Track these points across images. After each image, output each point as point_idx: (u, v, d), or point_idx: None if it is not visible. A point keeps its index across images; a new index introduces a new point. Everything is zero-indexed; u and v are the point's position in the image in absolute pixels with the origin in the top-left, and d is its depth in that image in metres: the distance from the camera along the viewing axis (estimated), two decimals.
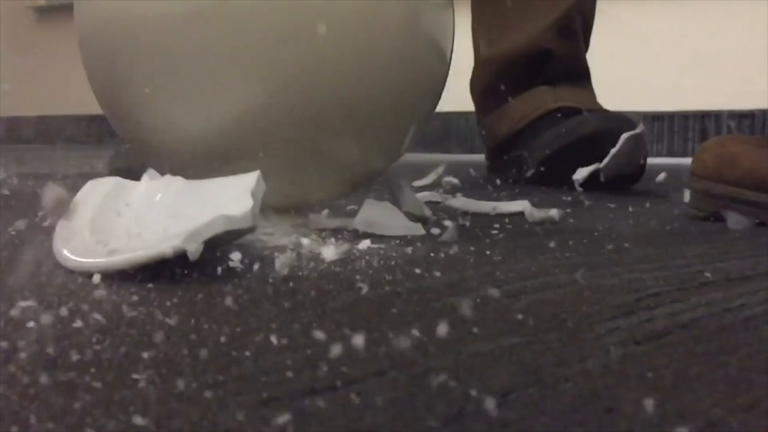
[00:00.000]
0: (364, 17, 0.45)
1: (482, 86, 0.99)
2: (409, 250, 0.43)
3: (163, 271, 0.34)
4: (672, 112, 1.68)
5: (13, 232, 0.46)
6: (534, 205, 0.59)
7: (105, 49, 0.47)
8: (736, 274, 0.37)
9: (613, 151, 0.72)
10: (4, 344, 0.24)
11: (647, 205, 0.68)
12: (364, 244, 0.43)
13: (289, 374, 0.21)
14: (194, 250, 0.34)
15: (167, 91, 0.45)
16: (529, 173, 0.87)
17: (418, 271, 0.36)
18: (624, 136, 0.71)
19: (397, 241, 0.45)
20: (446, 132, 1.83)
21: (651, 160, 0.87)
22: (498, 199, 0.71)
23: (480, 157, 1.04)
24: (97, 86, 0.50)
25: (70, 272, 0.35)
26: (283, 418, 0.18)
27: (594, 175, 0.77)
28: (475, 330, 0.26)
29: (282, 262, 0.36)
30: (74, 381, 0.21)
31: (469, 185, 0.68)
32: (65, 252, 0.36)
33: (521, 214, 0.60)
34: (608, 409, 0.19)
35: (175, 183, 0.42)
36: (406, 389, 0.20)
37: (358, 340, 0.23)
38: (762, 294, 0.33)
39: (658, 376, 0.22)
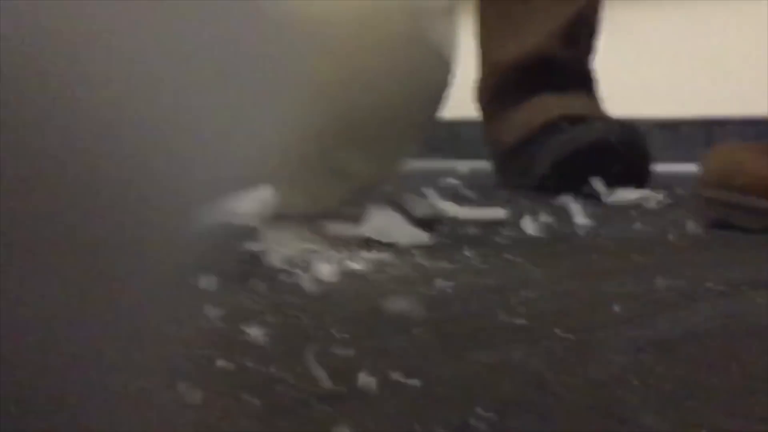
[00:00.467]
0: (365, 28, 0.45)
1: (487, 94, 0.99)
2: (413, 259, 0.43)
3: None
4: (678, 118, 1.67)
5: None
6: (534, 212, 0.59)
7: None
8: (741, 281, 0.37)
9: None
10: None
11: (652, 212, 0.68)
12: (374, 253, 0.43)
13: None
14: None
15: None
16: (536, 181, 0.87)
17: (421, 280, 0.37)
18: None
19: (404, 249, 0.46)
20: (453, 138, 1.83)
21: (657, 167, 0.87)
22: (504, 205, 0.71)
23: (487, 164, 1.04)
24: None
25: None
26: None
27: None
28: (478, 338, 0.26)
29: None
30: None
31: (475, 192, 0.68)
32: None
33: (529, 219, 0.59)
34: (612, 418, 0.19)
35: None
36: (411, 398, 0.21)
37: (367, 340, 0.23)
38: (767, 302, 0.33)
39: (663, 383, 0.22)
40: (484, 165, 1.05)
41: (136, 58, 0.23)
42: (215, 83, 0.45)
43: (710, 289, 0.35)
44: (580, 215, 0.61)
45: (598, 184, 0.78)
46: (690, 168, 0.72)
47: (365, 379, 0.22)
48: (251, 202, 0.38)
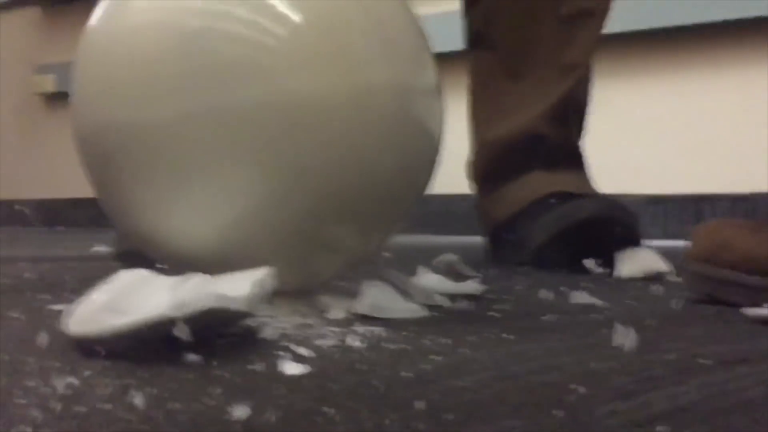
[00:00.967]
0: (356, 108, 0.46)
1: (479, 170, 1.01)
2: (407, 334, 0.43)
3: (158, 353, 0.35)
4: (668, 195, 1.70)
5: (15, 316, 0.47)
6: (528, 287, 0.60)
7: (101, 152, 0.48)
8: (733, 356, 0.38)
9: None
10: None
11: (643, 287, 0.69)
12: (369, 328, 0.43)
13: None
14: (180, 316, 0.34)
15: (165, 194, 0.46)
16: (528, 257, 0.88)
17: (416, 354, 0.37)
18: None
19: (398, 324, 0.46)
20: (446, 213, 1.84)
21: (648, 243, 0.88)
22: (497, 280, 0.72)
23: (480, 239, 1.05)
24: (96, 187, 0.51)
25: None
26: None
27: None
28: (474, 412, 0.27)
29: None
30: None
31: (468, 267, 0.69)
32: (68, 320, 0.37)
33: (525, 294, 0.60)
34: None
35: (197, 277, 0.42)
36: None
37: (364, 418, 0.23)
38: (759, 377, 0.33)
39: None
40: (477, 240, 1.06)
41: None
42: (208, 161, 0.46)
43: (701, 364, 0.36)
44: (571, 290, 0.61)
45: (589, 261, 0.79)
46: (680, 244, 0.73)
47: None
48: (249, 285, 0.38)
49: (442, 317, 0.50)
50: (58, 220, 2.59)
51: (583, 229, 0.83)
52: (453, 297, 0.57)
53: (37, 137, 2.71)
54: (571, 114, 0.96)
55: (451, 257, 0.71)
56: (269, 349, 0.37)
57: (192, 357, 0.34)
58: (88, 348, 0.36)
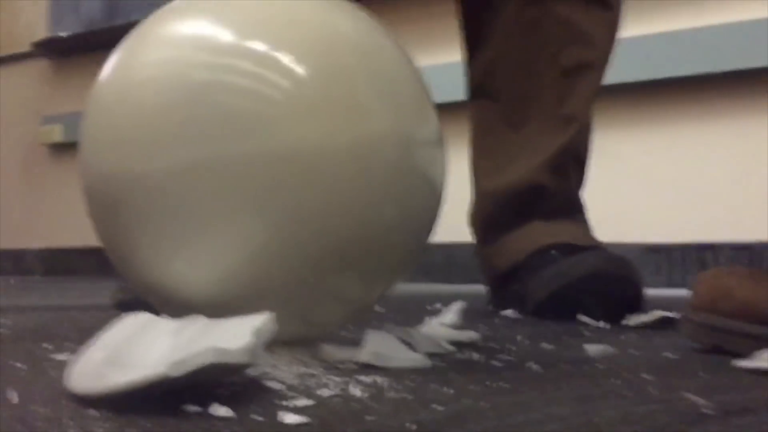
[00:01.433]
0: (358, 158, 0.47)
1: (480, 219, 1.01)
2: (410, 383, 0.43)
3: (160, 403, 0.35)
4: (670, 243, 1.70)
5: (18, 365, 0.47)
6: (530, 337, 0.60)
7: (107, 201, 0.49)
8: (736, 406, 0.38)
9: None
10: None
11: (646, 336, 0.69)
12: (371, 377, 0.43)
13: None
14: (179, 375, 0.34)
15: (169, 242, 0.47)
16: (530, 309, 0.88)
17: (418, 404, 0.37)
18: None
19: (400, 373, 0.46)
20: (448, 262, 1.84)
21: (650, 292, 0.88)
22: (499, 330, 0.72)
23: (482, 288, 1.05)
24: (101, 236, 0.52)
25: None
26: None
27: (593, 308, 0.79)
28: None
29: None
30: None
31: (470, 316, 0.69)
32: (71, 375, 0.37)
33: (527, 344, 0.60)
34: None
35: (198, 321, 0.42)
36: None
37: None
38: (762, 426, 0.33)
39: None
40: (479, 289, 1.06)
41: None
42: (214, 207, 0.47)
43: (705, 414, 0.36)
44: (574, 340, 0.61)
45: (590, 316, 0.80)
46: (683, 293, 0.73)
47: None
48: (249, 334, 0.38)
49: (444, 366, 0.50)
50: (61, 269, 2.59)
51: (584, 286, 0.83)
52: (455, 346, 0.57)
53: (42, 187, 2.73)
54: (570, 164, 0.97)
55: (453, 307, 0.71)
56: (270, 399, 0.37)
57: (192, 408, 0.34)
58: (90, 399, 0.36)
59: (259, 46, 0.47)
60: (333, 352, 0.49)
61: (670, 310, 0.78)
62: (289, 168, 0.45)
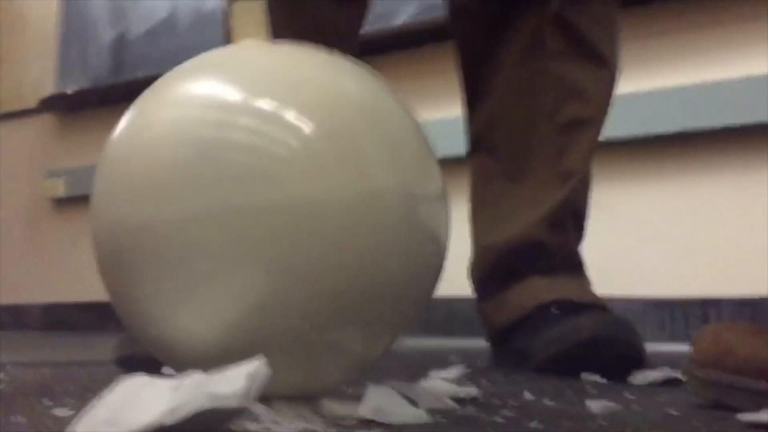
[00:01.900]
0: (362, 212, 0.47)
1: (480, 274, 1.02)
2: None
3: None
4: (672, 298, 1.70)
5: (18, 420, 0.47)
6: (532, 393, 0.59)
7: (114, 251, 0.50)
8: None
9: None
10: None
11: (649, 393, 0.68)
12: None
13: None
14: (173, 422, 0.34)
15: (173, 292, 0.48)
16: (532, 367, 0.88)
17: None
18: None
19: (401, 429, 0.46)
20: (449, 317, 1.84)
21: (652, 347, 0.88)
22: (502, 385, 0.71)
23: (483, 342, 1.04)
24: (108, 286, 0.53)
25: None
26: None
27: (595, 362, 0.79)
28: None
29: None
30: None
31: (473, 372, 0.69)
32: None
33: (530, 400, 0.60)
34: None
35: (195, 376, 0.42)
36: None
37: None
38: None
39: None
40: (481, 343, 1.06)
41: None
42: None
43: None
44: (577, 396, 0.61)
45: (593, 373, 0.79)
46: (685, 347, 0.73)
47: None
48: (243, 379, 0.38)
49: (446, 423, 0.50)
50: (61, 324, 2.58)
51: (583, 351, 0.83)
52: (457, 402, 0.57)
53: (44, 241, 2.73)
54: (569, 220, 0.98)
55: (454, 362, 0.71)
56: None
57: None
58: None
59: (266, 104, 0.48)
60: (334, 407, 0.49)
61: (672, 365, 0.77)
62: (293, 222, 0.46)
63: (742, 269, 1.63)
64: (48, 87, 2.75)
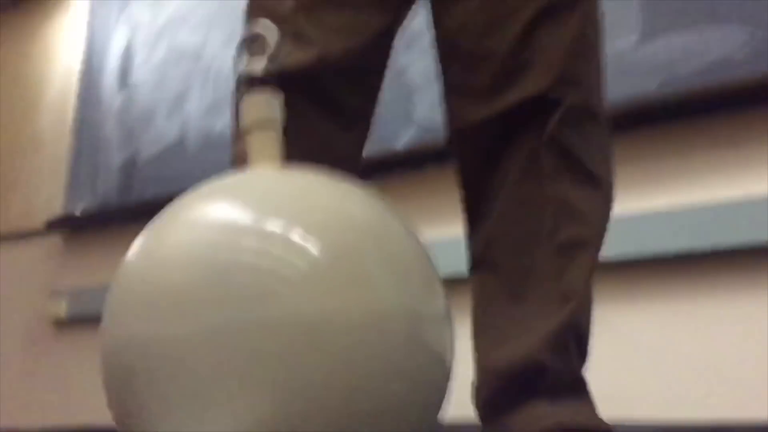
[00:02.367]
0: (367, 332, 0.48)
1: (483, 397, 1.00)
2: None
3: None
4: (678, 423, 1.66)
5: None
6: None
7: (122, 366, 0.51)
8: None
9: None
10: None
11: None
12: None
13: None
14: None
15: (180, 407, 0.48)
16: None
17: None
18: None
19: None
20: None
21: None
22: None
23: None
24: (113, 402, 0.53)
25: None
26: None
27: None
28: None
29: None
30: None
31: None
32: None
33: None
34: None
35: None
36: None
37: None
38: None
39: None
40: None
41: None
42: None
43: None
44: None
45: None
46: None
47: None
48: None
49: None
50: None
51: None
52: None
53: (46, 364, 2.70)
54: (571, 341, 0.97)
55: None
56: None
57: None
58: None
59: (275, 228, 0.50)
60: None
61: None
62: (299, 341, 0.47)
63: (747, 393, 1.60)
64: (57, 208, 2.79)
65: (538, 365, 0.94)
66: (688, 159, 1.78)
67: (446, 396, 0.54)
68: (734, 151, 1.73)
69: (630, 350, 1.73)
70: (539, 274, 0.98)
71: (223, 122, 2.46)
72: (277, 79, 0.69)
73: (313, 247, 0.49)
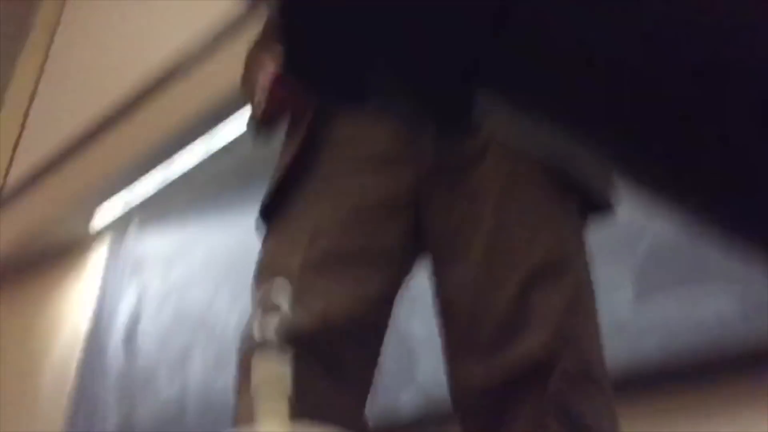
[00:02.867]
0: None
1: None
2: None
3: None
4: None
5: None
6: None
7: None
8: None
9: None
10: None
11: None
12: None
13: None
14: None
15: None
16: None
17: None
18: None
19: None
20: None
21: None
22: None
23: None
24: None
25: None
26: None
27: None
28: None
29: None
30: None
31: None
32: None
33: None
34: None
35: None
36: None
37: None
38: None
39: None
40: None
41: None
42: None
43: None
44: None
45: None
46: None
47: None
48: None
49: None
50: None
51: None
52: None
53: None
54: None
55: None
56: None
57: None
58: None
59: None
60: None
61: None
62: None
63: None
64: None
65: None
66: (696, 421, 1.75)
67: None
68: (743, 414, 1.71)
69: None
70: None
71: (224, 379, 2.44)
72: (286, 338, 0.71)
73: None
